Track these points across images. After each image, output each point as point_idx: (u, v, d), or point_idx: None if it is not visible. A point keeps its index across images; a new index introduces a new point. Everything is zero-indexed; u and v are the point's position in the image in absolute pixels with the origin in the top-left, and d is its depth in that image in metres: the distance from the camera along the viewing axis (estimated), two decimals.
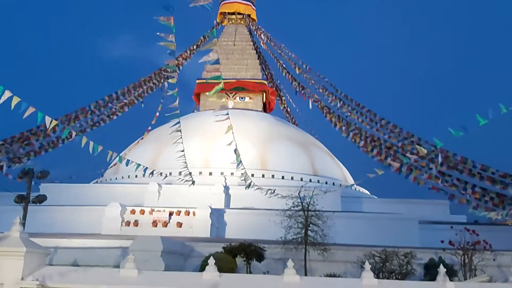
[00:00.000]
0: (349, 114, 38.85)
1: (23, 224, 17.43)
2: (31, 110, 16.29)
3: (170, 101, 23.55)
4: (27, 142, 35.39)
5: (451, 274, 19.15)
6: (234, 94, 49.06)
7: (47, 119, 16.39)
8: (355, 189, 42.99)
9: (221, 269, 16.89)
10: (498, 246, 23.20)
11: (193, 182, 29.40)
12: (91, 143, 15.60)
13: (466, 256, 21.63)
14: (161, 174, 35.41)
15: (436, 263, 19.89)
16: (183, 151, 28.08)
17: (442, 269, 16.68)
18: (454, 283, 16.81)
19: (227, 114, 29.23)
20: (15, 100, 15.98)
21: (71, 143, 37.95)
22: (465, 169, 27.32)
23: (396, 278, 20.15)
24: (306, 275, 20.60)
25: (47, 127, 16.68)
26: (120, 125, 53.18)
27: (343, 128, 38.19)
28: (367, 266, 16.93)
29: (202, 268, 18.20)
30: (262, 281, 16.79)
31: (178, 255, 22.44)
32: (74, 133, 17.51)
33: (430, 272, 20.33)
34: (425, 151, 23.31)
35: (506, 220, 27.12)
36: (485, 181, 26.44)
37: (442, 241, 22.73)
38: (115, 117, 43.05)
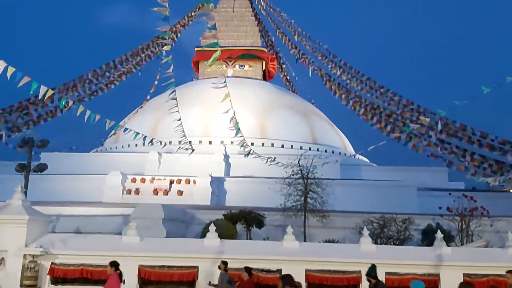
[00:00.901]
0: (348, 81, 38.59)
1: (25, 193, 17.58)
2: (26, 79, 16.12)
3: (167, 69, 23.26)
4: (25, 112, 35.26)
5: (448, 239, 19.48)
6: (234, 62, 48.60)
7: (42, 88, 16.23)
8: (354, 156, 43.16)
9: (222, 235, 17.14)
10: (495, 212, 23.51)
11: (193, 150, 29.44)
12: (88, 112, 15.43)
13: (463, 222, 21.93)
14: (160, 143, 35.47)
15: (433, 229, 20.19)
16: (179, 119, 27.92)
17: (439, 235, 16.94)
18: (451, 248, 17.12)
19: (225, 82, 29.02)
20: (10, 70, 15.82)
21: (70, 113, 37.93)
22: (465, 136, 27.33)
23: (394, 244, 20.47)
24: (305, 241, 20.91)
25: (43, 97, 16.52)
26: (118, 95, 52.99)
27: (343, 96, 38.02)
28: (366, 232, 17.19)
29: (203, 234, 18.45)
30: (262, 246, 17.05)
31: (179, 222, 22.73)
32: (71, 102, 17.34)
33: (427, 238, 20.66)
34: (428, 120, 23.23)
35: (504, 186, 27.33)
36: (484, 148, 26.50)
37: (440, 208, 23.02)
38: (113, 86, 42.72)
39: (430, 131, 27.35)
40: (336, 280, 15.46)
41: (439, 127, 25.66)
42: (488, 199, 25.84)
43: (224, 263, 14.33)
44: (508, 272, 11.16)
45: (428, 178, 34.78)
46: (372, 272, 11.93)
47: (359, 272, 15.70)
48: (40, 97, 17.36)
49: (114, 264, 11.46)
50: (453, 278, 15.48)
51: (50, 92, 16.66)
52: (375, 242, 18.58)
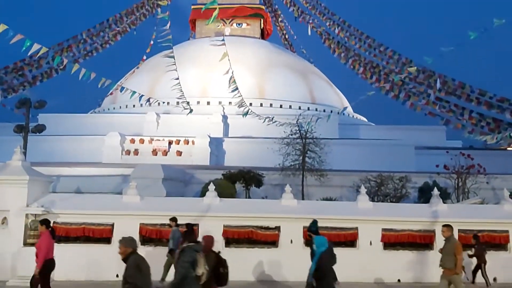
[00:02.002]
0: (347, 40, 38.03)
1: (24, 154, 17.61)
2: (18, 37, 15.82)
3: (163, 26, 22.86)
4: (20, 73, 34.88)
5: (445, 196, 19.72)
6: (231, 21, 47.75)
7: (35, 46, 15.93)
8: (352, 116, 43.14)
9: (221, 194, 17.33)
10: (492, 170, 23.75)
11: (191, 111, 29.34)
12: (83, 70, 15.17)
13: (460, 180, 22.18)
14: (158, 104, 35.33)
15: (430, 187, 20.43)
16: (177, 79, 27.66)
17: (435, 192, 17.15)
18: (447, 205, 17.37)
19: (223, 40, 28.65)
20: (2, 27, 15.52)
21: (65, 74, 37.55)
22: (463, 94, 27.22)
23: (391, 201, 20.77)
24: (303, 199, 21.18)
25: (38, 57, 16.31)
26: (114, 56, 52.31)
27: (342, 54, 37.57)
28: (363, 190, 17.38)
29: (202, 194, 18.65)
30: (261, 205, 17.28)
31: (178, 182, 22.95)
32: (65, 60, 17.09)
33: (424, 195, 20.93)
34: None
35: (501, 144, 27.45)
36: (482, 106, 26.44)
37: (437, 166, 23.22)
38: (108, 46, 42.07)
39: (429, 89, 27.20)
40: (334, 237, 15.72)
41: (438, 85, 25.51)
42: (485, 157, 26.05)
43: (173, 219, 14.23)
44: (444, 226, 11.31)
45: (426, 137, 34.90)
46: (312, 227, 11.73)
47: (356, 228, 16.01)
48: (30, 53, 17.04)
49: (45, 222, 11.56)
50: None
51: (44, 49, 16.39)
52: (372, 200, 18.81)
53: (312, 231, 11.63)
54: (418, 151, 31.41)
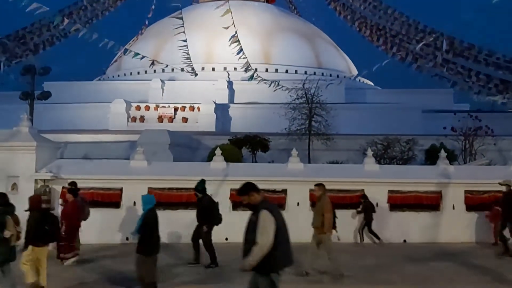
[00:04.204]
0: (351, 1, 37.23)
1: (31, 121, 17.68)
2: None
3: None
4: (23, 41, 34.65)
5: (452, 158, 19.66)
6: None
7: (34, 4, 15.63)
8: (359, 80, 42.73)
9: (228, 159, 17.37)
10: (499, 132, 23.62)
11: (196, 74, 29.08)
12: (84, 30, 14.92)
13: (467, 142, 22.09)
14: (163, 70, 35.15)
15: (437, 149, 20.34)
16: (184, 43, 27.27)
17: (442, 154, 17.10)
18: (454, 166, 17.36)
19: (228, 4, 28.15)
20: None
21: (69, 41, 37.25)
22: (471, 56, 26.77)
23: (398, 164, 20.79)
24: (309, 163, 21.21)
25: (39, 20, 16.04)
26: (116, 22, 51.59)
27: (348, 17, 36.90)
28: (369, 152, 17.36)
29: (209, 159, 18.70)
30: (267, 168, 17.33)
31: (185, 148, 23.03)
32: (66, 20, 16.76)
33: (431, 157, 20.88)
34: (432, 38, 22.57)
35: (508, 106, 27.20)
36: (490, 67, 26.04)
37: (444, 128, 23.11)
38: (107, 12, 41.50)
39: (436, 51, 26.76)
40: (340, 199, 15.81)
41: (445, 46, 25.07)
42: (493, 119, 25.83)
43: (72, 184, 13.67)
44: (315, 185, 11.08)
45: (433, 99, 34.59)
46: (199, 186, 11.60)
47: (362, 191, 16.06)
48: (29, 9, 16.69)
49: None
50: (454, 195, 15.87)
51: (45, 8, 16.09)
52: (379, 163, 18.80)
53: (198, 191, 11.72)
54: (425, 114, 31.20)
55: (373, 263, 12.45)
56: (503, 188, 13.81)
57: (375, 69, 23.85)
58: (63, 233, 11.36)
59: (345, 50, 46.01)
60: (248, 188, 6.40)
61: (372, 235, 15.28)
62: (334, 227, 11.09)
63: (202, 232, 11.74)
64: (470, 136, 22.04)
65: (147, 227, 8.81)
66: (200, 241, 12.12)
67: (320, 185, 11.05)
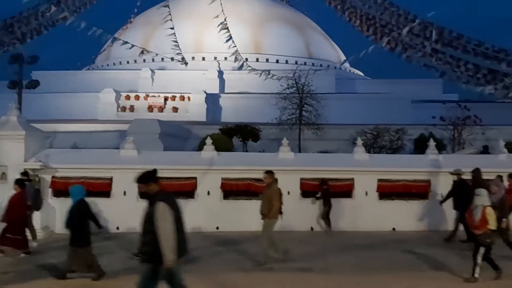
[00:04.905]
0: None
1: (19, 109, 17.50)
2: None
3: None
4: (10, 29, 34.19)
5: (440, 147, 19.85)
6: None
7: None
8: (349, 71, 42.84)
9: (218, 148, 17.35)
10: (487, 121, 23.85)
11: (186, 63, 29.01)
12: (71, 18, 14.61)
13: (456, 131, 22.31)
14: (153, 60, 34.95)
15: (426, 138, 20.52)
16: (173, 31, 27.13)
17: (431, 143, 17.25)
18: (442, 155, 17.51)
19: None
20: None
21: (57, 30, 36.80)
22: (460, 45, 26.94)
23: (387, 153, 20.93)
24: (300, 152, 21.30)
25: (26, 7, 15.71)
26: (105, 12, 51.06)
27: (338, 7, 36.88)
28: (359, 141, 17.44)
29: (200, 148, 18.67)
30: (258, 158, 17.34)
31: (175, 137, 22.99)
32: (53, 8, 16.50)
33: (420, 147, 21.05)
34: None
35: (495, 95, 27.48)
36: (478, 57, 26.24)
37: (433, 117, 23.31)
38: (95, 1, 40.99)
39: (426, 41, 26.88)
40: (330, 188, 15.94)
41: (434, 36, 25.20)
42: (481, 109, 26.05)
43: (24, 174, 13.63)
44: (265, 172, 11.12)
45: (422, 90, 34.85)
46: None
47: (352, 179, 16.17)
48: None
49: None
50: (443, 183, 16.02)
51: None
52: (368, 152, 18.90)
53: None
54: (414, 104, 31.43)
55: (312, 250, 12.30)
56: (454, 177, 13.88)
57: (362, 55, 23.94)
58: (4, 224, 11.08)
59: (336, 40, 46.02)
60: (147, 177, 6.47)
61: (325, 222, 15.21)
62: (280, 213, 11.15)
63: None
64: (459, 125, 22.26)
65: (74, 219, 8.86)
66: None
67: (269, 173, 11.10)
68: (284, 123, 24.21)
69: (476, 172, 13.37)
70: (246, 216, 15.51)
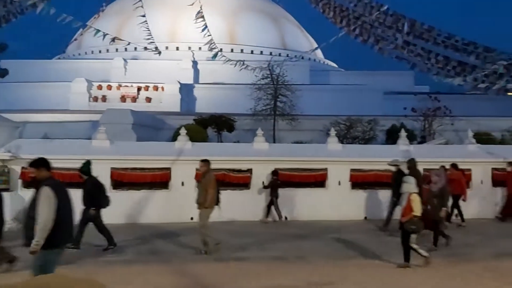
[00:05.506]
0: None
1: None
2: None
3: None
4: None
5: (411, 138, 20.27)
6: None
7: None
8: (323, 62, 43.12)
9: (193, 139, 17.32)
10: (457, 113, 24.43)
11: (159, 53, 28.65)
12: (42, 5, 14.05)
13: (426, 122, 22.78)
14: (125, 49, 34.36)
15: (397, 129, 20.91)
16: (145, 21, 26.74)
17: (403, 133, 17.61)
18: (413, 145, 17.90)
19: None
20: None
21: (27, 18, 35.76)
22: (430, 38, 27.32)
23: (360, 143, 21.25)
24: (274, 143, 21.40)
25: None
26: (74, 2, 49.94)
27: None
28: (332, 132, 17.69)
29: (174, 139, 18.56)
30: (233, 148, 17.40)
31: (149, 127, 22.78)
32: None
33: (391, 137, 21.46)
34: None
35: (464, 87, 28.04)
36: (448, 49, 26.66)
37: (404, 108, 23.73)
38: None
39: (397, 33, 27.14)
40: (304, 178, 16.14)
41: (406, 28, 25.50)
42: (451, 100, 26.63)
43: None
44: (201, 161, 11.09)
45: (395, 81, 35.41)
46: (84, 168, 11.32)
47: (326, 169, 16.39)
48: None
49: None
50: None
51: None
52: (342, 143, 19.15)
53: (83, 172, 11.32)
54: (387, 96, 31.91)
55: (250, 241, 12.28)
56: (392, 168, 14.17)
57: (332, 41, 24.04)
58: None
59: (310, 32, 46.20)
60: (40, 162, 6.38)
61: (268, 212, 15.33)
62: (217, 203, 11.08)
63: (92, 216, 11.07)
64: (429, 116, 22.73)
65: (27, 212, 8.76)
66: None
67: (205, 161, 10.95)
68: (258, 113, 24.27)
69: (411, 162, 13.59)
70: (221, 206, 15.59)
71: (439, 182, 11.32)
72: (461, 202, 14.77)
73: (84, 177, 11.34)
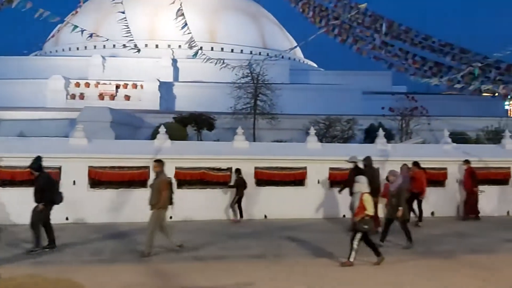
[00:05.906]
0: None
1: None
2: None
3: None
4: None
5: (389, 137, 20.55)
6: None
7: None
8: (303, 62, 43.36)
9: (172, 137, 17.21)
10: (433, 112, 24.87)
11: (139, 50, 28.34)
12: (17, 0, 13.71)
13: (404, 121, 23.12)
14: (104, 46, 33.98)
15: (376, 128, 21.17)
16: (124, 18, 26.42)
17: (381, 132, 17.81)
18: (391, 145, 18.13)
19: None
20: None
21: (2, 13, 35.07)
22: (408, 39, 27.76)
23: (339, 142, 21.44)
24: (254, 141, 21.45)
25: None
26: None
27: None
28: (312, 131, 17.78)
29: (153, 137, 18.44)
30: (212, 147, 17.34)
31: (128, 126, 22.57)
32: None
33: (370, 136, 21.72)
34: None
35: (441, 87, 28.58)
36: (425, 50, 27.14)
37: (382, 108, 24.04)
38: None
39: (375, 33, 27.53)
40: (284, 176, 16.19)
41: (384, 29, 25.85)
42: (427, 100, 27.15)
43: None
44: (154, 161, 11.02)
45: (373, 81, 35.85)
46: (34, 164, 11.17)
47: (305, 168, 16.48)
48: None
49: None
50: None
51: None
52: (321, 141, 19.29)
53: (33, 168, 11.17)
54: (365, 95, 32.28)
55: (205, 240, 12.19)
56: (351, 165, 14.24)
57: (311, 39, 24.22)
58: None
59: (290, 31, 46.38)
60: None
61: (237, 211, 15.31)
62: (170, 203, 10.95)
63: (35, 212, 10.80)
64: (407, 116, 23.08)
65: None
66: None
67: (159, 162, 10.77)
68: (238, 112, 24.28)
69: (367, 160, 13.70)
70: (201, 204, 15.56)
71: (395, 181, 11.43)
72: (436, 201, 14.99)
73: (35, 173, 11.14)
